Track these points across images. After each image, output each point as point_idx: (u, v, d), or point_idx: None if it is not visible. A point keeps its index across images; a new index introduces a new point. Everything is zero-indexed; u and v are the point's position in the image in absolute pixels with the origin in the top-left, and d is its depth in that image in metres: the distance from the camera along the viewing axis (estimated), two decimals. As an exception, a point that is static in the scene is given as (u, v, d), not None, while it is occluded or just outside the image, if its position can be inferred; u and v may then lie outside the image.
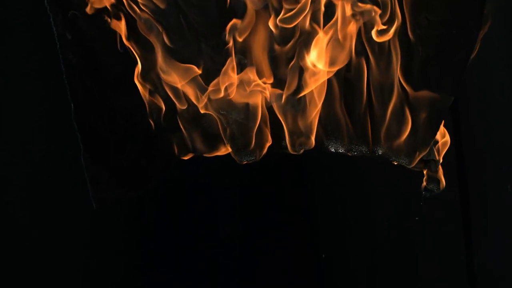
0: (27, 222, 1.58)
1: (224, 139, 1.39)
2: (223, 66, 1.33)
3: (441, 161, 1.38)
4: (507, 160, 1.64)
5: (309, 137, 1.39)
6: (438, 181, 1.39)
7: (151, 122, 1.39)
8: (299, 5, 1.28)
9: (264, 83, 1.36)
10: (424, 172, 1.40)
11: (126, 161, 1.35)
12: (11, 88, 1.54)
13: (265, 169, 1.51)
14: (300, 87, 1.35)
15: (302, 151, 1.40)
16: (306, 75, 1.33)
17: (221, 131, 1.39)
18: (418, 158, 1.36)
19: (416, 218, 1.65)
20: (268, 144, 1.41)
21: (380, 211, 1.74)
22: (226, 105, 1.36)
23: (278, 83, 1.37)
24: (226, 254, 1.75)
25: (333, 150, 1.42)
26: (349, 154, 1.41)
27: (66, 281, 1.62)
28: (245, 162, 1.41)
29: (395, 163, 1.40)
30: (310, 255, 1.78)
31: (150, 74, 1.35)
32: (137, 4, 1.29)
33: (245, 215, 1.75)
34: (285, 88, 1.35)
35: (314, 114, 1.38)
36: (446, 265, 1.72)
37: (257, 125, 1.38)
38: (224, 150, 1.42)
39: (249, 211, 1.76)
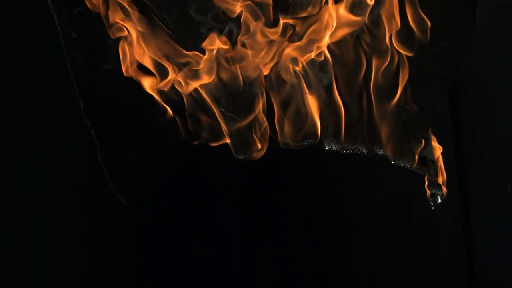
0: (28, 222, 1.59)
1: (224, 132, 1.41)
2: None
3: (440, 162, 1.39)
4: (507, 159, 1.65)
5: (313, 130, 1.40)
6: (439, 186, 1.39)
7: (161, 111, 1.40)
8: None
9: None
10: (425, 178, 1.41)
11: (137, 156, 1.37)
12: (22, 88, 1.55)
13: (265, 167, 1.51)
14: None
15: (306, 144, 1.41)
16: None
17: (221, 125, 1.40)
18: (416, 156, 1.36)
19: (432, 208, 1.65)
20: (265, 144, 1.42)
21: (380, 211, 1.74)
22: (220, 93, 1.37)
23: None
24: (226, 254, 1.75)
25: (327, 148, 1.42)
26: (343, 152, 1.42)
27: (67, 280, 1.63)
28: (242, 159, 1.42)
29: (393, 163, 1.41)
30: (310, 255, 1.78)
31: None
32: None
33: (245, 214, 1.76)
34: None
35: (315, 106, 1.39)
36: (446, 266, 1.72)
37: (254, 124, 1.39)
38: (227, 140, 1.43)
39: (249, 210, 1.76)
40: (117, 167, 1.34)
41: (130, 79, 1.36)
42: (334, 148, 1.41)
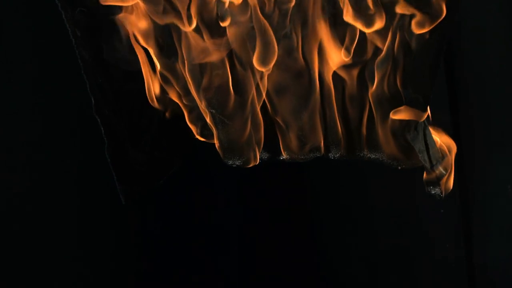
0: (24, 222, 1.58)
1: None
2: None
3: (450, 157, 1.39)
4: (508, 159, 1.65)
5: (318, 142, 1.40)
6: (438, 184, 1.39)
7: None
8: None
9: None
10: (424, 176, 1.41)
11: (142, 153, 1.38)
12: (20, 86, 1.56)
13: (266, 168, 1.52)
14: None
15: (312, 157, 1.41)
16: None
17: (211, 125, 1.40)
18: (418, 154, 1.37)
19: (442, 211, 1.66)
20: (258, 153, 1.41)
21: (380, 211, 1.74)
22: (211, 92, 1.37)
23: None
24: (225, 257, 1.75)
25: (332, 157, 1.43)
26: (344, 159, 1.43)
27: (63, 281, 1.62)
28: (231, 165, 1.42)
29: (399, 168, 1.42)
30: (310, 257, 1.78)
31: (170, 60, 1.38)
32: None
33: (245, 216, 1.76)
34: None
35: (317, 118, 1.40)
36: (446, 265, 1.73)
37: (246, 130, 1.39)
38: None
39: (248, 211, 1.76)
40: (123, 165, 1.35)
41: (131, 76, 1.37)
42: (337, 156, 1.42)
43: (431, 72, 1.32)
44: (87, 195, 1.60)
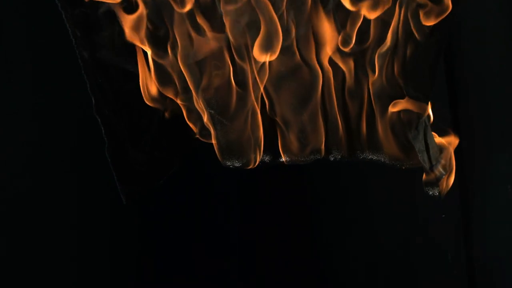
0: (21, 221, 1.58)
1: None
2: None
3: (448, 154, 1.39)
4: (508, 159, 1.65)
5: (319, 144, 1.39)
6: (436, 184, 1.39)
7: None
8: None
9: None
10: (423, 177, 1.42)
11: (142, 153, 1.38)
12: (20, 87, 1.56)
13: (266, 169, 1.52)
14: None
15: (312, 159, 1.41)
16: None
17: (209, 126, 1.39)
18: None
19: (443, 216, 1.66)
20: (259, 155, 1.41)
21: (380, 211, 1.75)
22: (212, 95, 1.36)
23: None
24: (225, 257, 1.75)
25: (332, 159, 1.43)
26: (346, 160, 1.43)
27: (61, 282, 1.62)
28: (229, 166, 1.41)
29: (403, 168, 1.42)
30: (310, 258, 1.78)
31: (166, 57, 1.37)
32: None
33: (245, 216, 1.76)
34: None
35: (318, 119, 1.39)
36: (446, 265, 1.73)
37: (245, 131, 1.38)
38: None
39: (248, 212, 1.76)
40: (123, 165, 1.35)
41: (131, 76, 1.37)
42: (338, 158, 1.43)
43: (431, 71, 1.32)
44: (87, 195, 1.60)
